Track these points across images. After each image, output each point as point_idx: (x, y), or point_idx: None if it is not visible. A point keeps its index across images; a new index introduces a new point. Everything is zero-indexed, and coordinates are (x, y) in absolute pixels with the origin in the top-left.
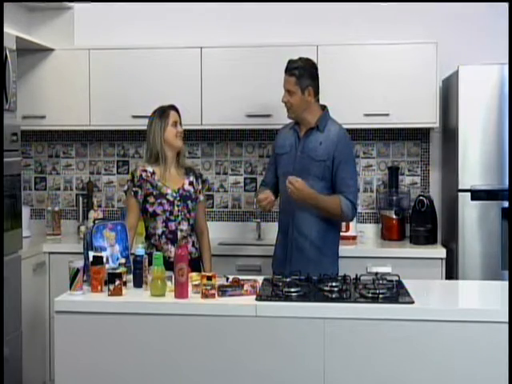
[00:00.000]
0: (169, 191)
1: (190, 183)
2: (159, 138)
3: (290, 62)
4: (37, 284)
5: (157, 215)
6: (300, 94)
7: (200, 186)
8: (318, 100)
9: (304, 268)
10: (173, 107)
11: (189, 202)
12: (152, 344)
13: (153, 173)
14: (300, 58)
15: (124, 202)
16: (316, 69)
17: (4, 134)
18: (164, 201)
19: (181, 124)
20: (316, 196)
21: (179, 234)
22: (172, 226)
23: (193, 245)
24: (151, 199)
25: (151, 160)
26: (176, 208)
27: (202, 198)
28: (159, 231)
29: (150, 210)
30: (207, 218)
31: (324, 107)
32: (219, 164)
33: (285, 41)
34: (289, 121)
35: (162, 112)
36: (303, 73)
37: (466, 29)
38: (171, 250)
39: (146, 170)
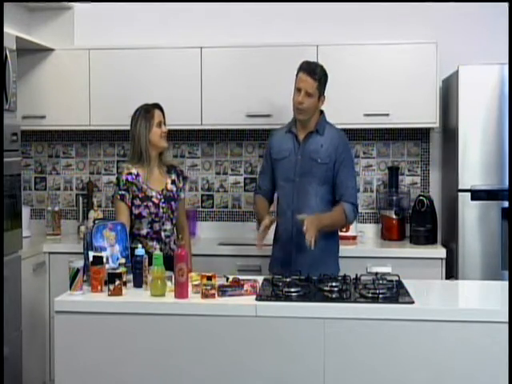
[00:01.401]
0: (153, 193)
1: (172, 182)
2: (144, 138)
3: (309, 63)
4: (37, 284)
5: (143, 217)
6: (316, 99)
7: (181, 184)
8: None
9: (308, 268)
10: (157, 106)
11: (172, 202)
12: (152, 344)
13: (137, 175)
14: (316, 63)
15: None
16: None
17: (4, 134)
18: (150, 203)
19: (165, 123)
20: (326, 221)
21: (163, 233)
22: (156, 226)
23: (174, 242)
24: (137, 202)
25: (134, 160)
26: (161, 210)
27: (182, 195)
28: (144, 232)
29: (136, 212)
30: (207, 218)
31: (321, 111)
32: (219, 164)
33: (285, 41)
34: (285, 122)
35: (147, 112)
36: (324, 81)
37: (466, 29)
38: (156, 247)
39: (131, 173)
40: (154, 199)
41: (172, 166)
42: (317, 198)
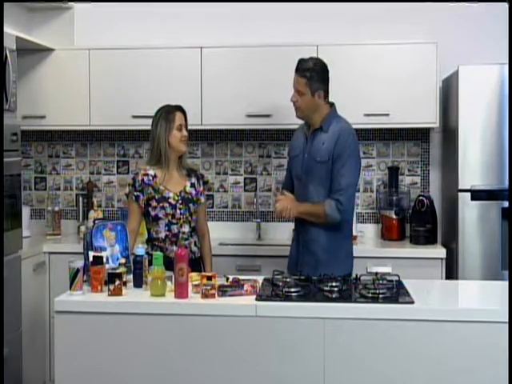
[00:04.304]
0: (170, 194)
1: (192, 185)
2: (164, 141)
3: (302, 61)
4: (37, 284)
5: (159, 219)
6: (310, 96)
7: (201, 188)
8: (327, 101)
9: (313, 269)
10: (179, 108)
11: (190, 204)
12: (152, 344)
13: (154, 176)
14: (311, 59)
15: (125, 205)
16: (327, 71)
17: (4, 134)
18: (166, 204)
19: (187, 127)
20: (301, 208)
21: (181, 236)
22: (174, 229)
23: (195, 244)
24: (153, 203)
25: (153, 161)
26: (178, 211)
27: (203, 199)
28: (162, 235)
29: (153, 213)
30: (207, 218)
31: (332, 104)
32: (219, 164)
33: (285, 41)
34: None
35: (168, 113)
36: (314, 76)
37: (466, 29)
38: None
39: (147, 174)
40: (171, 200)
41: (192, 169)
42: (319, 197)
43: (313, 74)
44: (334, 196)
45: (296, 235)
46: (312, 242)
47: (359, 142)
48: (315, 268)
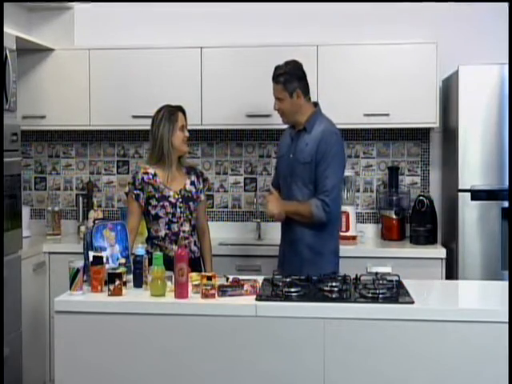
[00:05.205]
0: (171, 193)
1: (192, 183)
2: (167, 141)
3: (276, 68)
4: (37, 284)
5: (159, 218)
6: (289, 98)
7: (201, 185)
8: (309, 99)
9: (299, 269)
10: (180, 109)
11: (191, 203)
12: (152, 344)
13: (154, 175)
14: (285, 64)
15: (125, 204)
16: (301, 69)
17: (4, 134)
18: (166, 203)
19: (186, 127)
20: (289, 207)
21: (181, 235)
22: (174, 227)
23: (194, 244)
24: (153, 202)
25: (153, 160)
26: (178, 210)
27: (203, 197)
28: (162, 234)
29: (153, 212)
30: (207, 218)
31: (316, 104)
32: (219, 164)
33: (285, 41)
34: None
35: (171, 114)
36: (288, 78)
37: (466, 29)
38: (174, 250)
39: (147, 173)
40: (171, 199)
41: (191, 167)
42: (303, 197)
43: (286, 77)
44: (320, 197)
45: (281, 235)
46: (297, 241)
47: (359, 142)
48: (300, 267)
